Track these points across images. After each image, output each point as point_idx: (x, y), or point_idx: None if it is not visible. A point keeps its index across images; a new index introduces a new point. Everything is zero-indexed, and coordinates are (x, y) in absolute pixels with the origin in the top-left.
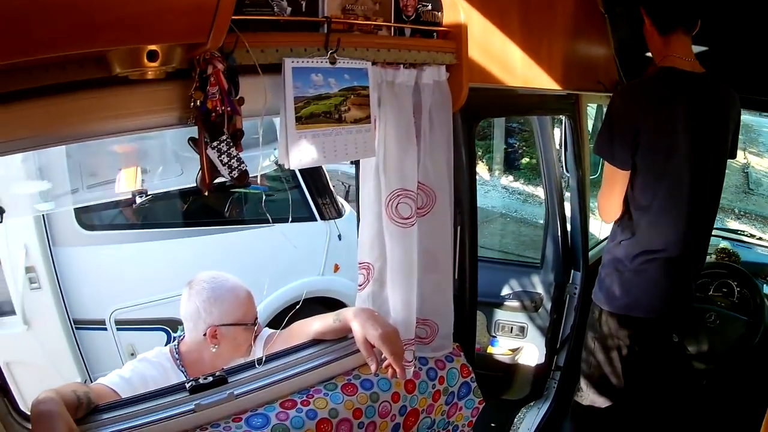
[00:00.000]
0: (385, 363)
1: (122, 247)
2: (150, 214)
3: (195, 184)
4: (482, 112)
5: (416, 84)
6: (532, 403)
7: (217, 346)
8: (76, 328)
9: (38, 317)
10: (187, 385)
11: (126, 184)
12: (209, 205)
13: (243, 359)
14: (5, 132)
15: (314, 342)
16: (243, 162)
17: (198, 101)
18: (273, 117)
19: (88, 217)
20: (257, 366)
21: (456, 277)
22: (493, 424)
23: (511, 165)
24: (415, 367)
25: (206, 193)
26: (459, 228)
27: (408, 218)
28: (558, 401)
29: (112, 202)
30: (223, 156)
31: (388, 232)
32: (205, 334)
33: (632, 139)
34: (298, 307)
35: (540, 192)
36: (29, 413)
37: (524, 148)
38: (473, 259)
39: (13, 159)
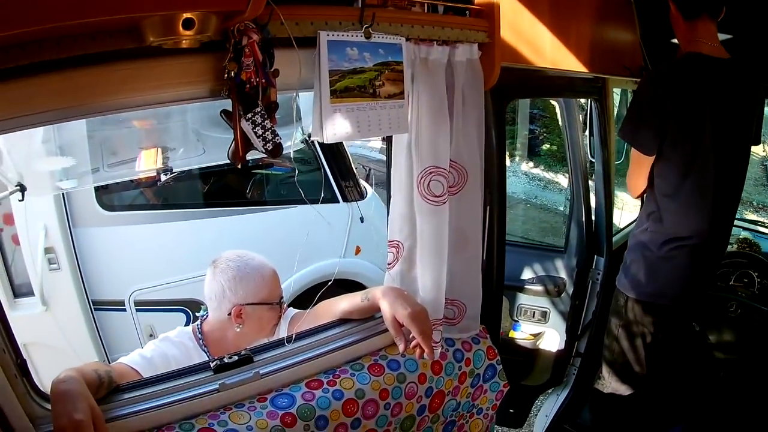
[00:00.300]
0: (414, 343)
1: (143, 227)
2: (171, 194)
3: (217, 163)
4: (512, 92)
5: (449, 61)
6: (550, 390)
7: (242, 325)
8: (95, 309)
9: (57, 298)
10: (212, 364)
11: (146, 163)
12: (230, 186)
13: (267, 339)
14: (31, 104)
15: (341, 321)
16: (278, 135)
17: (232, 72)
18: (304, 92)
19: (108, 198)
20: (286, 344)
21: (484, 258)
22: (511, 410)
23: (531, 151)
24: (442, 348)
25: (239, 166)
26: (488, 208)
27: (440, 196)
28: (577, 389)
29: (133, 182)
30: (257, 128)
31: (419, 210)
32: (229, 314)
33: (659, 125)
34: (328, 284)
35: (560, 179)
36: (48, 393)
37: (545, 134)
38: (501, 240)
39: (33, 138)
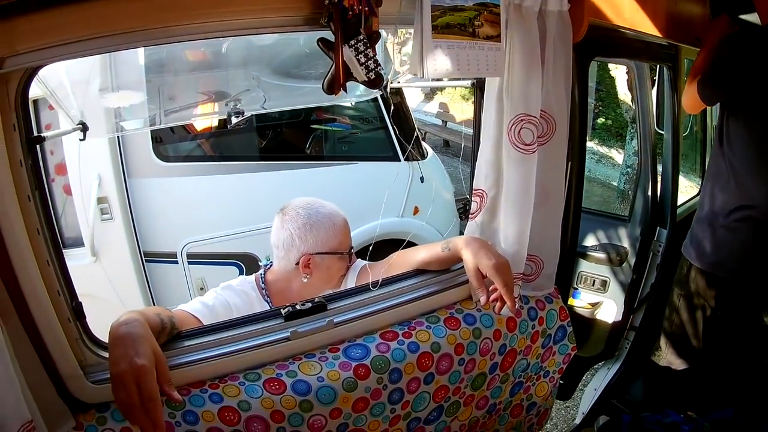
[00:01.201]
0: (494, 295)
1: (199, 179)
2: (229, 147)
3: (278, 109)
4: (595, 49)
5: (541, 11)
6: (601, 363)
7: (309, 275)
8: (146, 261)
9: (107, 249)
10: (283, 311)
11: (205, 110)
12: (288, 141)
13: (332, 291)
14: (111, 25)
15: (416, 272)
16: (380, 64)
17: None
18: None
19: (165, 148)
20: (372, 289)
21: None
22: (561, 381)
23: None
24: (518, 305)
25: (336, 95)
26: (569, 164)
27: (530, 144)
28: (628, 363)
29: (190, 133)
30: (360, 56)
31: (507, 158)
32: (297, 263)
33: (727, 84)
34: (405, 242)
35: (614, 153)
36: (103, 341)
37: (601, 107)
38: (578, 199)
39: (92, 82)
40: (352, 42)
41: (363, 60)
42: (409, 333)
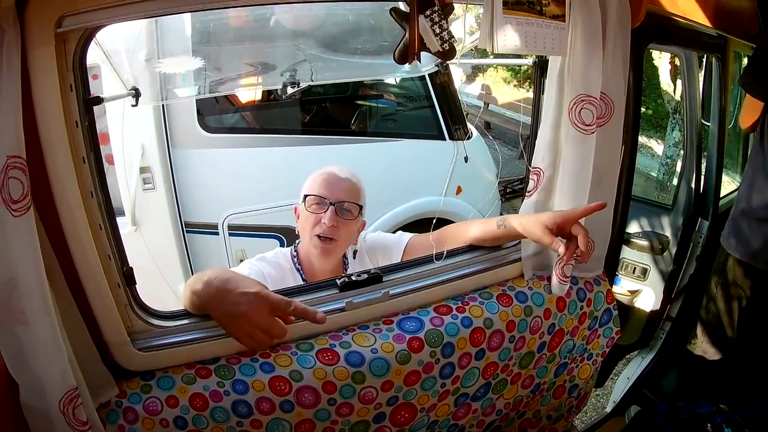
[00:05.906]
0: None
1: (243, 151)
2: (273, 120)
3: (323, 82)
4: (650, 36)
5: None
6: (635, 352)
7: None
8: (187, 232)
9: (148, 219)
10: (338, 282)
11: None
12: (333, 116)
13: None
14: None
15: (469, 248)
16: (453, 37)
17: None
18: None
19: (209, 120)
20: (435, 262)
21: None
22: None
23: None
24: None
25: (407, 64)
26: (623, 147)
27: (589, 125)
28: (662, 354)
29: (234, 104)
30: (435, 26)
31: (566, 137)
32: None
33: None
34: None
35: (653, 144)
36: (151, 307)
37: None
38: (629, 184)
39: (139, 49)
40: (428, 12)
41: (438, 31)
42: (462, 308)
